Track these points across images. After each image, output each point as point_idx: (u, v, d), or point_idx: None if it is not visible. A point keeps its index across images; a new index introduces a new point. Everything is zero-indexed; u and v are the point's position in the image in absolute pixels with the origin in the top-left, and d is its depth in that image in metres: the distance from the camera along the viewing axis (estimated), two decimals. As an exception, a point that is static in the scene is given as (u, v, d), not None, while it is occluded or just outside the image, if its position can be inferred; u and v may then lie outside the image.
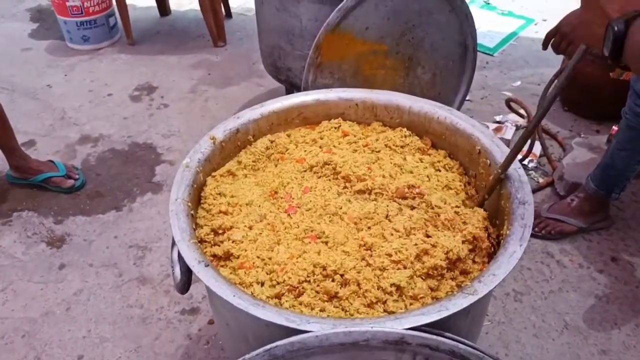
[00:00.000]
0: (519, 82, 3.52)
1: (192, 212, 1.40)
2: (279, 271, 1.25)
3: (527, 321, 2.09)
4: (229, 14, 4.36)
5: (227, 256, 1.33)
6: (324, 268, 1.23)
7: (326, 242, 1.33)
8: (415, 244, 1.29)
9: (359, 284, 1.21)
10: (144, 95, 3.46)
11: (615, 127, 2.96)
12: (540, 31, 4.11)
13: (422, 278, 1.25)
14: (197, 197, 1.49)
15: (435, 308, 1.10)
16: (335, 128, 1.76)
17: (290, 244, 1.34)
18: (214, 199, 1.48)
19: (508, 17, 4.32)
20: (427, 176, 1.56)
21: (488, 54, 3.82)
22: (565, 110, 3.25)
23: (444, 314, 1.09)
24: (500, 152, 1.49)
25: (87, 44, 3.96)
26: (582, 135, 3.04)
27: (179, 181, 1.43)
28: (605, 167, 2.28)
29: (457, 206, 1.44)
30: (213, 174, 1.57)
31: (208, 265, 1.20)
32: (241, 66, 3.70)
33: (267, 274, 1.27)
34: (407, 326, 1.06)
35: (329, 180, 1.55)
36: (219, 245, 1.36)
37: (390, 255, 1.26)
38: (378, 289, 1.21)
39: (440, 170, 1.61)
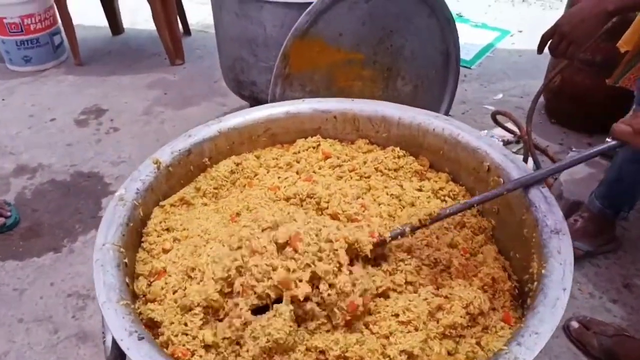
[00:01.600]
0: (500, 95, 3.29)
1: (125, 260, 1.05)
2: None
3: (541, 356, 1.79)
4: (187, 31, 4.05)
5: (155, 324, 1.00)
6: (319, 350, 0.92)
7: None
8: (425, 299, 0.98)
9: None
10: (91, 119, 3.10)
11: (609, 139, 2.75)
12: (517, 42, 3.93)
13: (438, 340, 0.94)
14: (136, 237, 1.16)
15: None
16: (314, 148, 1.46)
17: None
18: (158, 236, 1.15)
19: (482, 29, 4.14)
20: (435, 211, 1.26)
21: (465, 67, 3.60)
22: (552, 123, 3.03)
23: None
24: (516, 169, 1.20)
25: (29, 65, 3.58)
26: (574, 150, 2.80)
27: (108, 220, 1.09)
28: (612, 183, 2.03)
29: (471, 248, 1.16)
30: (161, 203, 1.24)
31: (142, 338, 0.86)
32: (201, 85, 3.38)
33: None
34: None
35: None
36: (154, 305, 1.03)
37: (397, 316, 0.95)
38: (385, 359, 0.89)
39: (446, 201, 1.31)
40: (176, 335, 0.95)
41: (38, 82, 3.50)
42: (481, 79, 3.50)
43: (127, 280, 1.01)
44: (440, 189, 1.33)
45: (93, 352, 1.81)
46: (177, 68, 3.63)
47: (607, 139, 1.04)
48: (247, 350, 0.92)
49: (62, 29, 3.64)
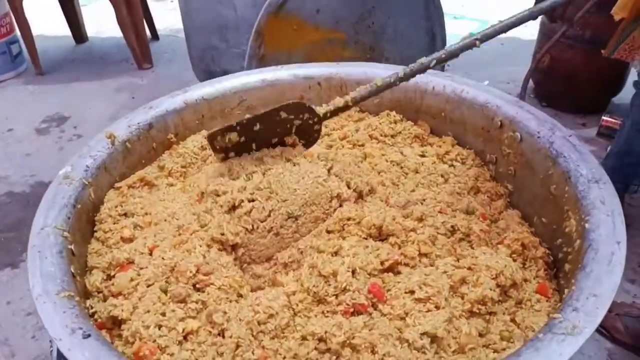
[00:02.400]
0: (487, 82, 3.16)
1: (71, 247, 0.84)
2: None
3: None
4: (155, 36, 3.86)
5: (117, 323, 0.79)
6: (317, 338, 0.73)
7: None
8: (445, 272, 0.80)
9: (373, 349, 0.70)
10: (53, 127, 2.87)
11: (605, 117, 2.62)
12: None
13: (465, 318, 0.75)
14: (86, 224, 0.95)
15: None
16: None
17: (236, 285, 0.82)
18: (114, 223, 0.94)
19: (461, 20, 4.03)
20: (443, 176, 1.08)
21: (448, 57, 3.47)
22: (544, 106, 2.90)
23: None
24: (535, 120, 1.03)
25: (-15, 76, 3.34)
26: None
27: (49, 200, 0.89)
28: (620, 155, 1.89)
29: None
30: (117, 185, 1.03)
31: (88, 336, 0.65)
32: (171, 87, 3.11)
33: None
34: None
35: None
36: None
37: (412, 293, 0.76)
38: (403, 345, 0.69)
39: (454, 166, 1.14)
40: (147, 328, 0.74)
41: (-5, 93, 3.27)
42: (466, 67, 3.36)
43: (72, 270, 0.80)
44: (446, 153, 1.16)
45: (55, 377, 1.57)
46: (146, 72, 3.43)
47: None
48: (231, 336, 0.72)
49: (20, 38, 3.42)
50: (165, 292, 0.80)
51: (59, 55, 3.75)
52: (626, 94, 2.70)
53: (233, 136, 0.95)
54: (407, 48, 2.24)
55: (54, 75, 3.46)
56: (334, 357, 0.73)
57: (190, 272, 0.82)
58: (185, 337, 0.75)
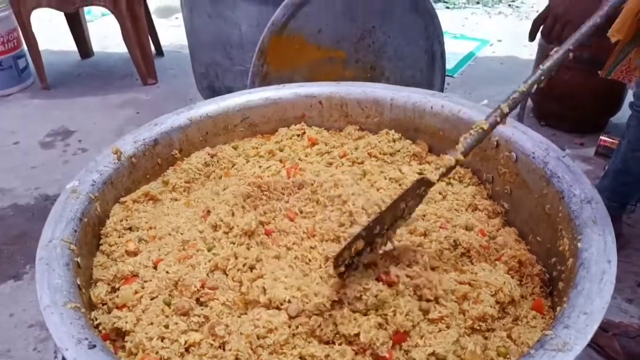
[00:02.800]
0: (485, 101, 3.20)
1: (78, 259, 0.87)
2: None
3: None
4: (160, 52, 3.92)
5: (120, 334, 0.81)
6: None
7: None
8: (449, 284, 0.82)
9: None
10: (58, 141, 2.91)
11: (603, 137, 2.65)
12: (497, 51, 3.87)
13: (467, 335, 0.77)
14: (92, 238, 0.97)
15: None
16: (298, 136, 1.30)
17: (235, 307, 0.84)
18: (119, 236, 0.97)
19: (462, 40, 4.08)
20: (440, 193, 1.11)
21: (448, 76, 3.51)
22: (542, 126, 2.94)
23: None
24: (530, 140, 1.06)
25: (-9, 89, 3.38)
26: (567, 150, 2.70)
27: (57, 214, 0.92)
28: (617, 175, 1.91)
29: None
30: (122, 199, 1.06)
31: (94, 347, 0.67)
32: (175, 103, 3.21)
33: None
34: None
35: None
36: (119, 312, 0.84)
37: (427, 313, 0.79)
38: None
39: (451, 184, 1.16)
40: (150, 339, 0.76)
41: (1, 107, 3.30)
42: (465, 86, 3.41)
43: (79, 282, 0.83)
44: (444, 171, 1.18)
45: (56, 389, 1.58)
46: (150, 88, 3.47)
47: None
48: (231, 349, 0.74)
49: (27, 52, 3.47)
50: (168, 305, 0.82)
51: (64, 70, 3.79)
52: (624, 114, 2.73)
53: (359, 244, 0.80)
54: (407, 67, 2.28)
55: (60, 90, 3.51)
56: None
57: (195, 286, 0.84)
58: (187, 349, 0.77)
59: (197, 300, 0.84)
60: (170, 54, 3.99)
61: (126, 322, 0.80)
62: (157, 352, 0.75)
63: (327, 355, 0.74)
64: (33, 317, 1.85)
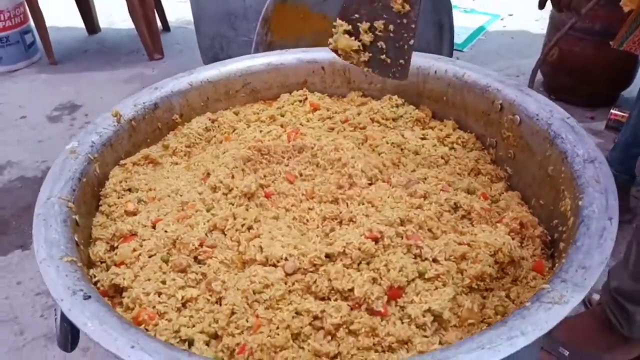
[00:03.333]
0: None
1: (76, 217, 0.87)
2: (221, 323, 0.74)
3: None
4: (166, 27, 3.89)
5: (118, 291, 0.82)
6: (312, 315, 0.74)
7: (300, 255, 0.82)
8: (447, 244, 0.81)
9: (374, 332, 0.72)
10: (65, 115, 2.91)
11: (613, 111, 2.61)
12: (508, 25, 3.80)
13: (465, 294, 0.77)
14: (91, 198, 0.97)
15: (500, 333, 0.61)
16: (300, 102, 1.29)
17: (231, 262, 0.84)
18: (119, 197, 0.97)
19: (472, 14, 4.01)
20: (443, 158, 1.10)
21: (457, 50, 3.46)
22: (553, 99, 2.86)
23: (519, 342, 0.60)
24: (534, 103, 1.04)
25: (0, 65, 3.38)
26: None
27: (55, 174, 0.92)
28: (627, 146, 1.88)
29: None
30: (122, 162, 1.06)
31: (89, 297, 0.67)
32: (182, 78, 3.21)
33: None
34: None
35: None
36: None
37: (422, 274, 0.78)
38: (404, 321, 0.71)
39: (454, 149, 1.15)
40: (147, 294, 0.77)
41: (9, 81, 3.31)
42: (474, 60, 3.36)
43: (76, 239, 0.83)
44: (447, 136, 1.17)
45: (63, 354, 1.61)
46: (156, 63, 3.46)
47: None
48: (226, 304, 0.74)
49: (34, 27, 3.46)
50: (166, 262, 0.82)
51: (71, 46, 3.79)
52: (636, 88, 2.69)
53: None
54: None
55: (67, 65, 3.50)
56: (329, 337, 0.74)
57: (193, 245, 0.84)
58: (184, 305, 0.78)
59: (195, 258, 0.84)
60: (177, 29, 3.97)
61: (124, 279, 0.80)
62: (153, 307, 0.76)
63: (323, 311, 0.73)
64: (40, 286, 1.87)
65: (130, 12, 3.32)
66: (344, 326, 0.72)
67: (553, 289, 0.66)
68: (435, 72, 1.21)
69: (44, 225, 0.79)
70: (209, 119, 1.21)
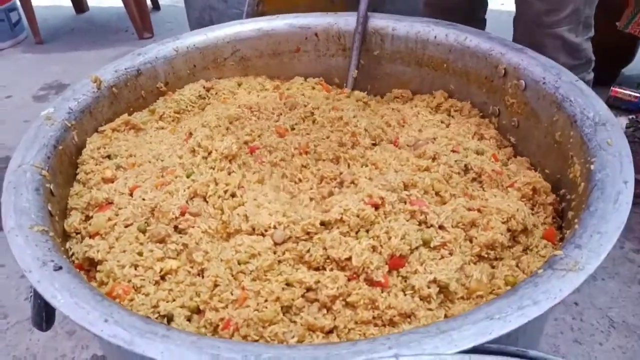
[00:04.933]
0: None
1: (50, 186, 0.81)
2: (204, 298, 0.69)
3: (562, 323, 1.57)
4: (156, 6, 3.80)
5: (93, 264, 0.76)
6: (305, 287, 0.68)
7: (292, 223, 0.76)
8: (455, 209, 0.76)
9: (374, 305, 0.66)
10: (52, 95, 2.83)
11: (614, 88, 2.56)
12: (506, 3, 3.72)
13: (473, 263, 0.71)
14: (68, 166, 0.91)
15: (510, 302, 0.56)
16: (312, 88, 1.23)
17: (216, 230, 0.78)
18: (96, 164, 0.90)
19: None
20: (443, 122, 1.05)
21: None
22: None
23: (531, 312, 0.55)
24: (540, 66, 0.98)
25: (-16, 44, 3.29)
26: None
27: (29, 140, 0.85)
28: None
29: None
30: (101, 128, 0.99)
31: (60, 269, 0.62)
32: (172, 57, 3.13)
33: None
34: (466, 346, 0.51)
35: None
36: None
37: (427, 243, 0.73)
38: (407, 293, 0.66)
39: (453, 116, 1.09)
40: (122, 267, 0.71)
41: (-6, 61, 3.23)
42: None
43: (50, 209, 0.77)
44: (439, 105, 1.12)
45: (48, 337, 1.56)
46: (146, 42, 3.37)
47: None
48: (209, 276, 0.68)
49: (19, 6, 3.36)
50: (143, 232, 0.77)
51: (58, 25, 3.69)
52: (637, 65, 2.63)
53: None
54: (408, 8, 2.18)
55: (54, 44, 3.41)
56: (324, 309, 0.69)
57: (174, 213, 0.78)
58: (162, 277, 0.72)
59: (175, 227, 0.78)
60: (167, 7, 3.88)
61: (97, 251, 0.74)
62: (129, 281, 0.70)
63: (317, 282, 0.68)
64: (25, 268, 1.81)
65: (119, -10, 3.24)
66: (341, 298, 0.67)
67: (567, 256, 0.60)
68: (435, 37, 1.15)
69: (14, 194, 0.73)
70: (204, 87, 1.14)
